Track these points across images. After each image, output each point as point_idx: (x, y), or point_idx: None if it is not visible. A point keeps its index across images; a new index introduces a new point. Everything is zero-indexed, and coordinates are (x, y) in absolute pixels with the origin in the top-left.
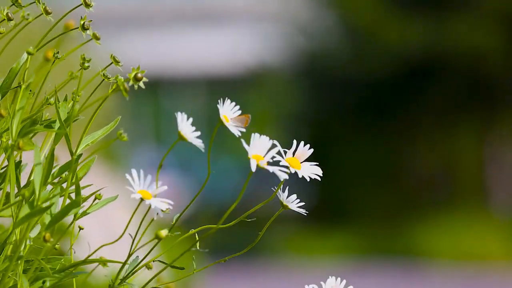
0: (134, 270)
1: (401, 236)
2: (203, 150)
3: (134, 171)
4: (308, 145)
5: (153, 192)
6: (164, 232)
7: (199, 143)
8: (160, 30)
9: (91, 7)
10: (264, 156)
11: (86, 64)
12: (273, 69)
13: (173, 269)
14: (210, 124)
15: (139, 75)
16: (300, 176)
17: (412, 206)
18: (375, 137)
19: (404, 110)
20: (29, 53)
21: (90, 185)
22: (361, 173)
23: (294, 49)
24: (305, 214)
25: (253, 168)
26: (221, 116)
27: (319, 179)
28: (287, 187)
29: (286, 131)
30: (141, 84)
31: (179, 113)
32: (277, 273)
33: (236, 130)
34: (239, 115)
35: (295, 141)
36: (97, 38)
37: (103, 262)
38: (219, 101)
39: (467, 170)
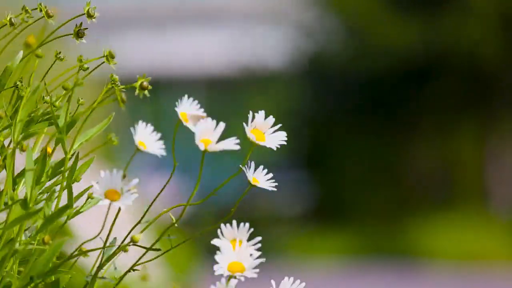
0: (111, 255)
1: (400, 236)
2: (159, 156)
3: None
4: (270, 116)
5: (121, 190)
6: (139, 237)
7: (159, 151)
8: (160, 30)
9: (94, 18)
10: (215, 140)
11: (85, 65)
12: (273, 69)
13: (171, 269)
14: None
15: (145, 83)
16: (268, 146)
17: (412, 206)
18: (375, 137)
19: (404, 109)
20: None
21: (90, 186)
22: (361, 173)
23: (294, 49)
24: (275, 190)
25: (201, 148)
26: (179, 115)
27: (284, 143)
28: (287, 188)
29: (286, 131)
30: (146, 92)
31: (140, 122)
32: (277, 273)
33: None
34: (194, 114)
35: (261, 112)
36: (81, 36)
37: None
38: (177, 101)
39: (467, 170)
